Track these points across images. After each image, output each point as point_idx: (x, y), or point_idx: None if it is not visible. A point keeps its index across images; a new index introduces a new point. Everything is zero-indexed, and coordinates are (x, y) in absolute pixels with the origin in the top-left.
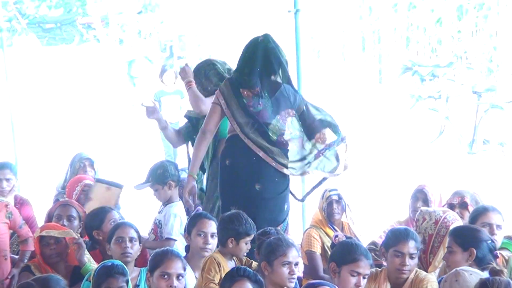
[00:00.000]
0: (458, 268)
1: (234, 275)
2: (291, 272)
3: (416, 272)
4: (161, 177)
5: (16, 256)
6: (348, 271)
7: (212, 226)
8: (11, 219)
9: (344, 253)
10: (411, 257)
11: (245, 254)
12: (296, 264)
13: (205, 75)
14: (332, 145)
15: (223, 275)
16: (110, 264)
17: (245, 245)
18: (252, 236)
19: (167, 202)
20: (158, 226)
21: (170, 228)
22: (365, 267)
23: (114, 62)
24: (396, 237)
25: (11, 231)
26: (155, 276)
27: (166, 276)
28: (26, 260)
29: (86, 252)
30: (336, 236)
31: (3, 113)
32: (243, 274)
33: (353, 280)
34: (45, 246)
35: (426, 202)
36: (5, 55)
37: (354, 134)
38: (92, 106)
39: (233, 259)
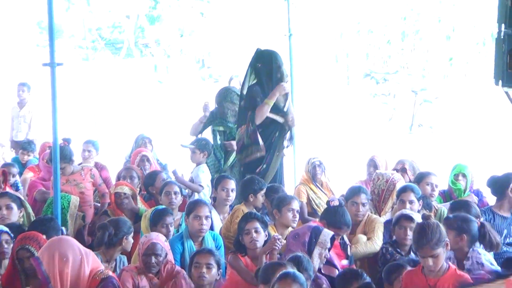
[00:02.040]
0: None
1: (247, 217)
2: (294, 216)
3: (368, 215)
4: (202, 145)
5: (98, 204)
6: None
7: (232, 184)
8: (93, 179)
9: (333, 220)
10: (363, 205)
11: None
12: (298, 211)
13: (230, 100)
14: None
15: None
16: (162, 208)
17: (261, 197)
18: (264, 189)
19: (197, 164)
20: (191, 181)
21: (200, 179)
22: (344, 231)
23: (164, 71)
24: (352, 192)
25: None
26: (190, 218)
27: (198, 218)
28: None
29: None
30: (332, 200)
31: (90, 107)
32: (254, 216)
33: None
34: (118, 197)
35: (375, 167)
36: (90, 66)
37: (330, 120)
38: (147, 100)
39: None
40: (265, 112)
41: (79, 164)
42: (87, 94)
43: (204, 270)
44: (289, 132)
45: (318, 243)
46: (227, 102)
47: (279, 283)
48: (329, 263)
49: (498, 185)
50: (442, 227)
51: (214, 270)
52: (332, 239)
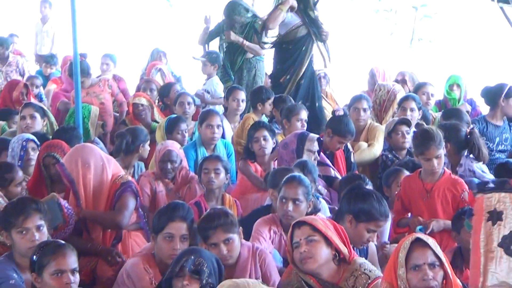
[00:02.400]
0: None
1: (256, 126)
2: (302, 125)
3: (370, 123)
4: (213, 58)
5: (117, 114)
6: (337, 140)
7: (242, 95)
8: (111, 89)
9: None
10: (364, 111)
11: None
12: (306, 120)
13: (238, 13)
14: None
15: None
16: (176, 116)
17: (269, 106)
18: (272, 98)
19: (208, 76)
20: (206, 92)
21: (218, 93)
22: (348, 139)
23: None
24: (354, 99)
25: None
26: (203, 127)
27: (210, 126)
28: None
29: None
30: (337, 110)
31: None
32: (262, 125)
33: (339, 146)
34: (135, 108)
35: (373, 77)
36: None
37: (335, 34)
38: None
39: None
40: (277, 17)
41: (98, 77)
42: (105, 10)
43: (213, 175)
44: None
45: (306, 149)
46: (235, 15)
47: (286, 186)
48: (322, 163)
49: (491, 95)
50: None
51: (222, 175)
52: (319, 142)
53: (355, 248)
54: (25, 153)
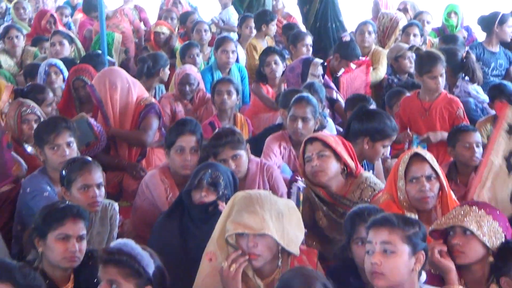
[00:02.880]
0: None
1: (268, 51)
2: (308, 50)
3: (374, 48)
4: None
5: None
6: (345, 64)
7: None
8: (127, 17)
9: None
10: (369, 34)
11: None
12: (311, 45)
13: None
14: None
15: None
16: (189, 42)
17: (272, 27)
18: (275, 20)
19: (223, 6)
20: (221, 20)
21: (232, 22)
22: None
23: None
24: (359, 24)
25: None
26: (219, 52)
27: (225, 52)
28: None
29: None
30: (344, 35)
31: None
32: (273, 50)
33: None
34: (157, 36)
35: (377, 5)
36: None
37: None
38: None
39: (265, 41)
40: None
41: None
42: None
43: (225, 96)
44: None
45: (310, 73)
46: None
47: (295, 106)
48: (326, 86)
49: (486, 22)
50: None
51: (234, 96)
52: (323, 66)
53: (363, 163)
54: (48, 76)
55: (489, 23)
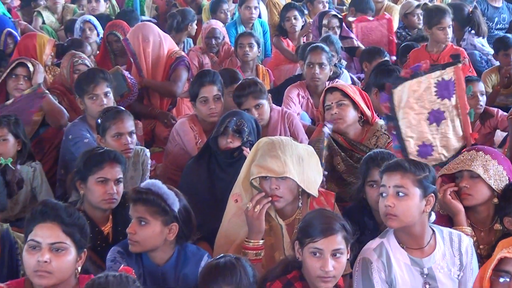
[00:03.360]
0: None
1: (287, 7)
2: (324, 7)
3: (386, 3)
4: None
5: None
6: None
7: None
8: None
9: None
10: None
11: None
12: (327, 1)
13: None
14: None
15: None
16: None
17: None
18: None
19: None
20: None
21: None
22: (370, 15)
23: None
24: None
25: None
26: (242, 8)
27: (248, 8)
28: None
29: None
30: None
31: None
32: (293, 6)
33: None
34: None
35: None
36: None
37: None
38: None
39: None
40: None
41: None
42: None
43: (247, 48)
44: None
45: (323, 25)
46: None
47: (311, 53)
48: (345, 37)
49: None
50: None
51: (255, 49)
52: (339, 19)
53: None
54: (82, 32)
55: None
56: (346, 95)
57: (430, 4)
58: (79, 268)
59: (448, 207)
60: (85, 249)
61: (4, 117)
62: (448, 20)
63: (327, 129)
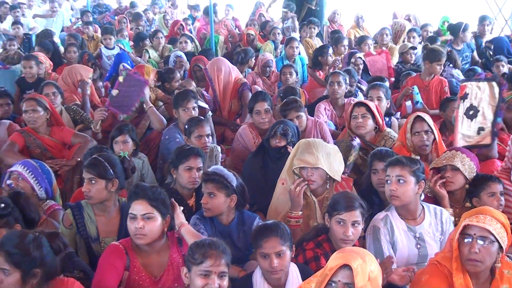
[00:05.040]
0: None
1: (322, 48)
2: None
3: (390, 44)
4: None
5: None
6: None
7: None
8: (226, 27)
9: None
10: (386, 35)
11: None
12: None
13: None
14: None
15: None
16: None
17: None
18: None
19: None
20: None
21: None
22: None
23: None
24: (380, 30)
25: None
26: (287, 48)
27: (291, 48)
28: None
29: None
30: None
31: None
32: (325, 46)
33: None
34: (248, 36)
35: (395, 14)
36: None
37: None
38: None
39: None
40: None
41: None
42: None
43: (288, 75)
44: None
45: (352, 61)
46: None
47: (331, 76)
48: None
49: (453, 28)
50: None
51: (294, 76)
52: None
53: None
54: (175, 64)
55: (456, 30)
56: (369, 109)
57: (430, 46)
58: (166, 229)
59: (436, 193)
60: (168, 215)
61: (125, 126)
62: (444, 59)
63: (356, 143)
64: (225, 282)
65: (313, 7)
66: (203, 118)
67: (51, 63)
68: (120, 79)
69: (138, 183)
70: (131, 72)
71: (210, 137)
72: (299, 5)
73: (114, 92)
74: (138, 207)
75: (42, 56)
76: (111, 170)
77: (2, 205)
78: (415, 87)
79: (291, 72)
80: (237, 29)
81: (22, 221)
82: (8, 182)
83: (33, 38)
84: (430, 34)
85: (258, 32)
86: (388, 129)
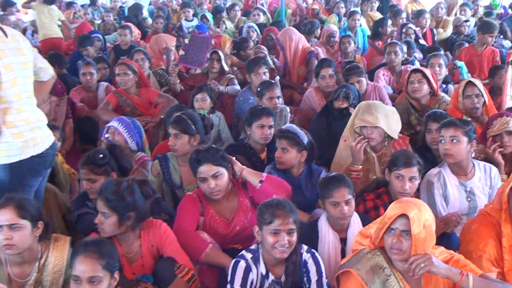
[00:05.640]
0: None
1: (381, 20)
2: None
3: (444, 17)
4: None
5: None
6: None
7: None
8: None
9: None
10: (441, 9)
11: None
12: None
13: None
14: None
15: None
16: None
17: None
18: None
19: None
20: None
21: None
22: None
23: None
24: (436, 4)
25: None
26: (350, 19)
27: (354, 20)
28: None
29: None
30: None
31: None
32: (384, 19)
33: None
34: (313, 10)
35: None
36: None
37: None
38: None
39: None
40: None
41: None
42: None
43: (347, 44)
44: None
45: (403, 31)
46: None
47: (389, 46)
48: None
49: None
50: None
51: (352, 45)
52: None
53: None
54: (247, 33)
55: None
56: (424, 75)
57: (485, 18)
58: (231, 177)
59: (494, 160)
60: (230, 165)
61: (205, 85)
62: (496, 31)
63: None
64: (294, 237)
65: None
66: (273, 81)
67: (140, 32)
68: (186, 41)
69: (197, 149)
70: (195, 34)
71: (281, 99)
72: None
73: (181, 52)
74: (205, 170)
75: (132, 27)
76: (193, 127)
77: (101, 155)
78: (457, 62)
79: (349, 41)
80: (304, 3)
81: (117, 170)
82: (106, 135)
83: (126, 10)
84: (480, 8)
85: (323, 6)
86: (442, 93)
